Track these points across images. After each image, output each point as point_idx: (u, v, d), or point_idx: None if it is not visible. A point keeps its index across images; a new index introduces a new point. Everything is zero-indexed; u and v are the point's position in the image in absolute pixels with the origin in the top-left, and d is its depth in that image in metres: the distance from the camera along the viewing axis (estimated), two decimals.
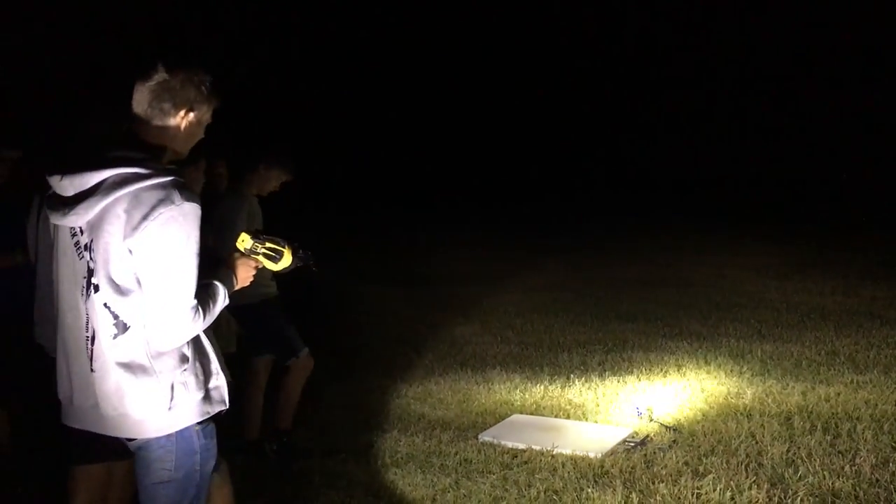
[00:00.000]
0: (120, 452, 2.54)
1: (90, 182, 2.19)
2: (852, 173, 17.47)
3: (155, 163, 2.22)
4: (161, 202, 2.13)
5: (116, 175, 2.17)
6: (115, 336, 2.19)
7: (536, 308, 8.17)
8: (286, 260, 2.50)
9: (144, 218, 2.12)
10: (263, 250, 2.47)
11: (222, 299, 2.30)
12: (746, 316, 7.40)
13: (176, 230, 2.14)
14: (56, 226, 2.29)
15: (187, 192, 2.18)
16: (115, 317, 2.19)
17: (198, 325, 2.22)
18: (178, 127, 2.28)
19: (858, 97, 19.54)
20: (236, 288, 2.41)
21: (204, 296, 2.24)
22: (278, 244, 2.49)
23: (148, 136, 2.26)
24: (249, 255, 2.45)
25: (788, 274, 9.41)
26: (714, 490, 3.80)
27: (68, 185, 2.22)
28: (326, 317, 5.33)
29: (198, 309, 2.20)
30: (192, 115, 2.29)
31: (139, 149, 2.24)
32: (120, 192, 2.15)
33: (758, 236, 12.27)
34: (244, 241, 2.45)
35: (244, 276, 2.42)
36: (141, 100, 2.25)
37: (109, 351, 2.21)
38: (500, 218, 15.49)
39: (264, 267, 2.50)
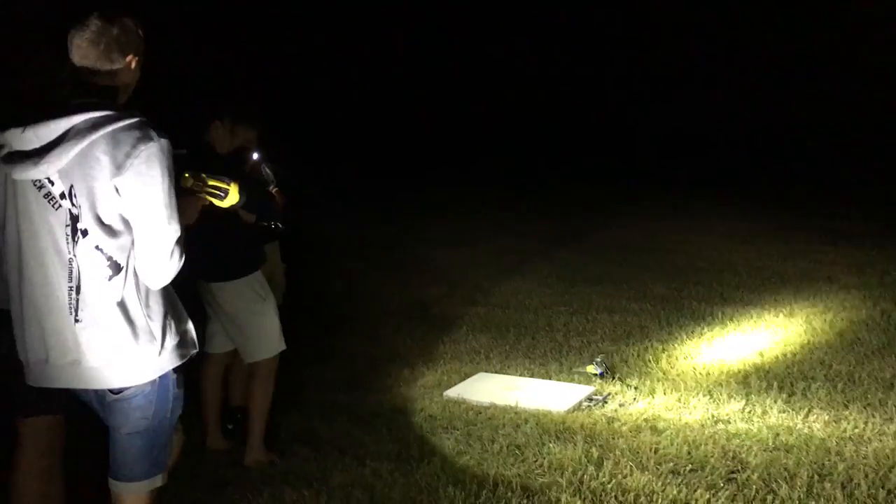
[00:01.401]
0: (67, 404, 2.60)
1: (58, 131, 2.20)
2: (816, 144, 17.69)
3: (117, 106, 2.27)
4: (140, 140, 2.19)
5: (85, 120, 2.19)
6: (110, 278, 2.23)
7: (504, 271, 8.24)
8: (233, 197, 2.55)
9: (127, 156, 2.17)
10: (207, 189, 2.51)
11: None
12: (709, 280, 7.54)
13: (158, 165, 2.20)
14: (15, 182, 2.25)
15: (158, 129, 2.24)
16: (108, 258, 2.22)
17: (182, 257, 2.29)
18: (125, 73, 2.34)
19: (821, 68, 19.73)
20: (186, 222, 2.44)
21: None
22: (222, 181, 2.53)
23: (96, 84, 2.30)
24: (194, 194, 2.49)
25: (751, 240, 9.56)
26: (672, 445, 3.91)
27: (33, 137, 2.21)
28: (294, 277, 5.33)
29: (181, 242, 2.27)
30: (137, 58, 2.36)
31: (98, 95, 2.27)
32: (94, 135, 2.17)
33: (722, 203, 12.43)
34: (186, 180, 2.50)
35: (189, 213, 2.47)
36: (83, 51, 2.28)
37: (103, 294, 2.23)
38: (468, 181, 15.51)
39: (213, 205, 2.54)
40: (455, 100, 21.02)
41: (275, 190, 4.57)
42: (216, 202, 2.55)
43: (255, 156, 4.33)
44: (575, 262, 8.62)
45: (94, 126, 2.18)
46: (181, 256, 2.28)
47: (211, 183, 2.52)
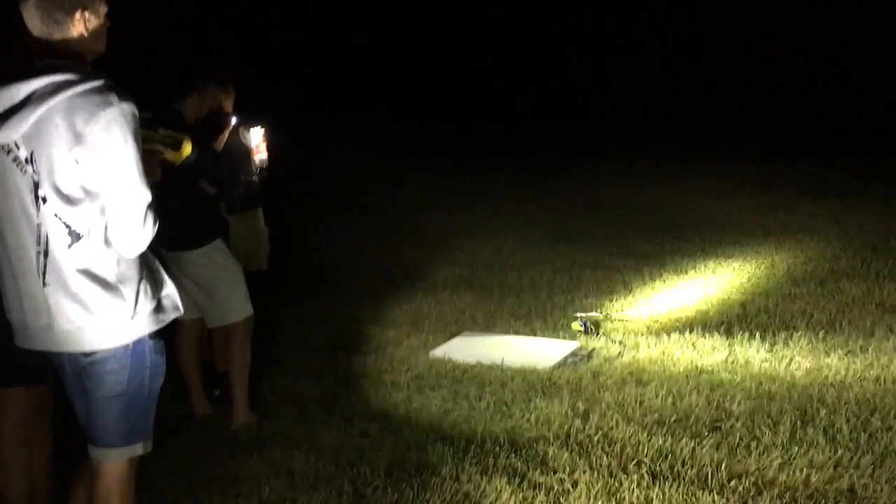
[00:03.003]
0: (47, 373, 2.61)
1: (20, 94, 2.14)
2: (793, 98, 17.71)
3: (80, 68, 2.19)
4: (99, 105, 2.12)
5: (47, 84, 2.13)
6: (70, 245, 2.19)
7: (486, 231, 8.23)
8: (186, 148, 2.52)
9: (86, 123, 2.11)
10: (159, 139, 2.47)
11: None
12: (691, 234, 7.57)
13: (119, 131, 2.13)
14: None
15: (121, 93, 2.16)
16: (67, 226, 2.18)
17: (156, 222, 2.24)
18: (81, 32, 2.23)
19: (806, 20, 19.69)
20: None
21: None
22: (176, 134, 2.51)
23: (56, 49, 2.21)
24: (149, 149, 2.42)
25: (732, 193, 9.60)
26: (656, 397, 3.95)
27: None
28: (277, 240, 5.29)
29: (153, 207, 2.22)
30: (87, 13, 2.23)
31: (64, 55, 2.20)
32: (53, 100, 2.11)
33: (702, 159, 12.44)
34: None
35: (149, 169, 2.37)
36: (32, 19, 2.19)
37: (66, 260, 2.20)
38: (449, 142, 15.42)
39: (167, 159, 2.52)
40: (443, 59, 20.81)
41: (258, 152, 4.51)
42: (169, 155, 2.50)
43: (234, 119, 4.26)
44: (557, 221, 8.62)
45: (55, 90, 2.12)
46: (155, 222, 2.23)
47: (163, 132, 2.49)
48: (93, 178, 2.14)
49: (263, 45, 16.53)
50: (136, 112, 2.18)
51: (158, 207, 2.28)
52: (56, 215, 2.17)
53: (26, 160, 2.17)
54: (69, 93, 2.11)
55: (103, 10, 2.28)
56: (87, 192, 2.16)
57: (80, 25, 2.22)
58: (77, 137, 2.11)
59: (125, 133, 2.14)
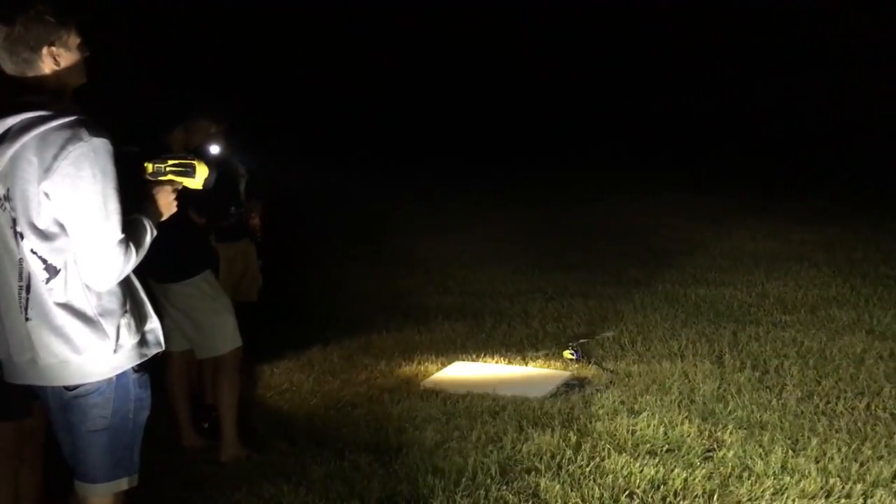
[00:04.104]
0: (28, 409, 2.61)
1: None
2: (783, 127, 17.89)
3: (58, 104, 2.19)
4: (68, 140, 2.11)
5: (22, 120, 2.14)
6: (48, 280, 2.19)
7: (478, 259, 8.24)
8: (202, 172, 2.41)
9: (55, 158, 2.10)
10: (170, 169, 2.39)
11: (148, 231, 2.29)
12: (682, 262, 7.60)
13: (88, 167, 2.12)
14: None
15: (94, 129, 2.15)
16: (44, 261, 2.18)
17: (130, 259, 2.21)
18: (53, 68, 2.21)
19: (787, 55, 19.94)
20: (165, 216, 2.39)
21: (130, 230, 2.23)
22: (185, 158, 2.42)
23: (29, 86, 2.20)
24: (159, 181, 2.39)
25: (723, 221, 9.65)
26: (648, 426, 3.94)
27: None
28: (269, 270, 5.29)
29: (127, 243, 2.19)
30: (55, 48, 2.20)
31: (40, 92, 2.19)
32: (26, 136, 2.12)
33: (693, 187, 12.53)
34: (148, 169, 2.39)
35: (164, 202, 2.38)
36: (3, 60, 2.18)
37: (46, 295, 2.20)
38: (441, 170, 15.48)
39: (185, 187, 2.42)
40: (436, 90, 20.98)
41: (245, 182, 4.52)
42: (187, 182, 2.41)
43: (214, 150, 4.21)
44: (549, 249, 8.64)
45: (28, 126, 2.12)
46: (126, 258, 2.18)
47: (172, 162, 2.39)
48: (61, 212, 2.14)
49: (260, 75, 16.64)
50: (110, 148, 2.16)
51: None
52: (33, 251, 2.17)
53: (4, 197, 2.17)
54: (42, 129, 2.12)
55: (74, 41, 2.24)
56: (60, 227, 2.16)
57: (50, 61, 2.20)
58: (46, 172, 2.10)
59: (93, 170, 2.12)
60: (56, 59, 2.21)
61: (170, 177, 2.40)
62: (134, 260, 2.23)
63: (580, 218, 10.53)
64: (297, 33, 19.52)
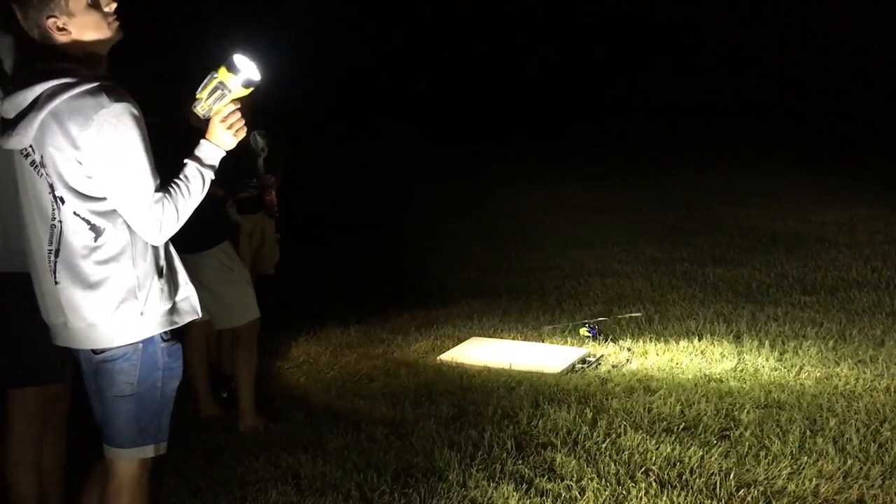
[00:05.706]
0: (55, 374, 2.64)
1: (27, 100, 2.19)
2: (808, 101, 17.66)
3: (82, 70, 2.19)
4: (92, 108, 2.13)
5: (49, 87, 2.16)
6: (96, 239, 2.22)
7: (494, 237, 8.23)
8: (223, 75, 2.30)
9: (80, 128, 2.13)
10: (207, 96, 2.32)
11: (198, 175, 2.31)
12: (700, 241, 7.55)
13: (111, 132, 2.14)
14: (11, 151, 2.28)
15: (115, 94, 2.16)
16: (87, 222, 2.21)
17: (170, 212, 2.23)
18: (67, 37, 2.19)
19: (809, 28, 19.61)
20: (230, 144, 2.36)
21: (174, 183, 2.26)
22: (210, 78, 2.31)
23: (55, 50, 2.21)
24: (210, 114, 2.33)
25: (742, 200, 9.58)
26: (665, 404, 3.93)
27: (9, 108, 2.22)
28: (287, 248, 5.30)
29: (164, 199, 2.22)
30: (56, 19, 2.17)
31: (66, 58, 2.20)
32: (51, 104, 2.15)
33: (711, 165, 12.43)
34: (195, 111, 2.34)
35: (223, 129, 2.33)
36: (24, 25, 2.20)
37: (80, 258, 2.22)
38: (457, 147, 15.42)
39: (233, 106, 2.35)
40: (451, 64, 20.83)
41: (263, 157, 4.51)
42: (229, 96, 2.32)
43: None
44: (565, 227, 8.62)
45: (53, 94, 2.14)
46: (166, 210, 2.21)
47: (205, 90, 2.31)
48: (97, 178, 2.17)
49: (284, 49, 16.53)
50: (134, 111, 2.17)
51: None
52: (75, 213, 2.20)
53: (40, 163, 2.21)
54: (65, 96, 2.14)
55: (78, 5, 2.19)
56: (98, 189, 2.19)
57: (58, 32, 2.19)
58: (73, 142, 2.15)
59: (119, 134, 2.14)
60: (62, 28, 2.19)
61: (211, 104, 2.33)
62: (179, 210, 2.25)
63: (596, 196, 10.47)
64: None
